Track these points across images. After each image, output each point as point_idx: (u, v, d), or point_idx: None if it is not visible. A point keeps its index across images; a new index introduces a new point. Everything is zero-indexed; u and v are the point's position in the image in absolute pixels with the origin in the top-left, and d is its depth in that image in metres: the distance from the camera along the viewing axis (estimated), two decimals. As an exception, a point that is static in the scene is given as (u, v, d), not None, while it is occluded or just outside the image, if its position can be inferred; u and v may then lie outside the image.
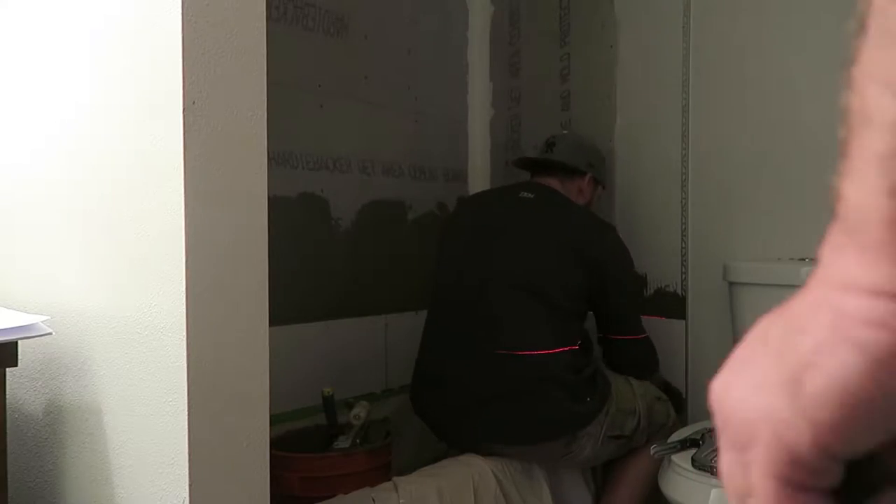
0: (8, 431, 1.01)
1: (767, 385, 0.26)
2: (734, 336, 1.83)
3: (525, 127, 2.44)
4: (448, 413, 1.69)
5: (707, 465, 1.37)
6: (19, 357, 1.00)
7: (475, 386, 1.62)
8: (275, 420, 1.78)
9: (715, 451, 1.43)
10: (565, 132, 2.20)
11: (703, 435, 1.53)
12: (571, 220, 1.75)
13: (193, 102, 0.90)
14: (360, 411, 1.79)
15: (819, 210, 1.94)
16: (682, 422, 2.13)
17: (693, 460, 1.41)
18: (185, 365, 0.91)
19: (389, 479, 1.52)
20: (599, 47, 2.24)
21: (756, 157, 1.98)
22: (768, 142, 1.95)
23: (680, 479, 1.44)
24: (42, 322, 0.99)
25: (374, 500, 1.39)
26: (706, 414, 2.06)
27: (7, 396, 1.00)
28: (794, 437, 0.24)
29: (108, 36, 1.01)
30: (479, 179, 2.50)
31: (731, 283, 1.83)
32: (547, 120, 2.34)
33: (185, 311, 0.90)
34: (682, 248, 2.08)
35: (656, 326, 2.10)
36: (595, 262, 1.69)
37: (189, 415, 0.91)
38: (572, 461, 1.69)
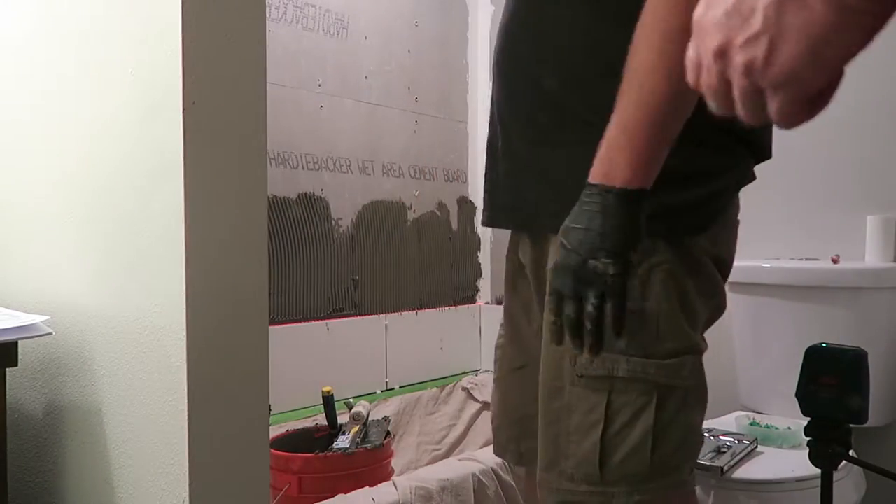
0: (8, 431, 1.01)
1: None
2: (734, 335, 1.83)
3: (525, 127, 2.43)
4: None
5: (707, 466, 1.37)
6: (19, 357, 1.00)
7: None
8: (275, 420, 1.79)
9: (715, 451, 1.43)
10: None
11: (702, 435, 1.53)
12: None
13: (193, 102, 0.90)
14: (360, 411, 1.79)
15: (819, 210, 1.95)
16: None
17: (693, 460, 1.40)
18: (185, 365, 0.91)
19: (389, 479, 1.52)
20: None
21: (756, 157, 1.98)
22: (768, 142, 1.95)
23: (680, 479, 1.44)
24: (42, 322, 0.99)
25: (374, 500, 1.39)
26: (705, 414, 2.07)
27: (7, 396, 1.00)
28: None
29: (108, 36, 1.01)
30: (479, 179, 2.50)
31: (731, 283, 1.83)
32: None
33: (184, 311, 0.90)
34: (682, 248, 2.07)
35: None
36: None
37: (189, 415, 0.91)
38: None
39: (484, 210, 1.10)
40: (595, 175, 0.79)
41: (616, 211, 0.78)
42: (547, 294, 0.81)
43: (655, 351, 0.89)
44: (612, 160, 0.78)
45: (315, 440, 1.76)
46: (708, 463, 1.37)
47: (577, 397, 0.92)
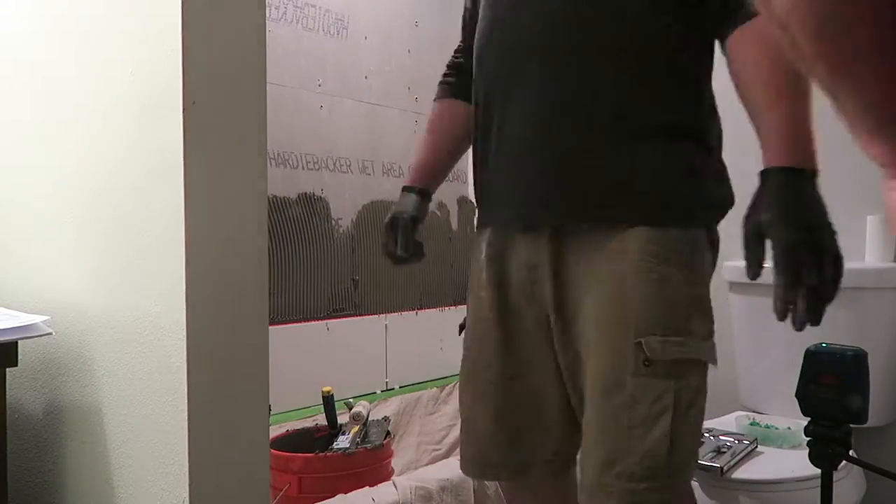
0: (8, 431, 1.01)
1: None
2: (734, 335, 1.83)
3: (525, 127, 2.43)
4: None
5: (707, 466, 1.37)
6: (19, 357, 1.00)
7: None
8: (275, 420, 1.79)
9: (715, 451, 1.43)
10: None
11: (702, 434, 1.53)
12: None
13: (193, 102, 0.90)
14: (360, 411, 1.79)
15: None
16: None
17: (693, 460, 1.40)
18: (185, 365, 0.91)
19: (389, 479, 1.52)
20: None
21: (756, 157, 1.97)
22: (768, 142, 1.95)
23: (680, 479, 1.44)
24: (42, 322, 0.99)
25: (374, 500, 1.39)
26: (705, 413, 2.06)
27: (7, 396, 1.00)
28: None
29: (108, 36, 1.01)
30: (479, 179, 2.49)
31: (731, 283, 1.83)
32: (547, 120, 2.34)
33: (184, 311, 0.90)
34: (682, 248, 2.07)
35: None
36: None
37: (189, 415, 0.91)
38: None
39: (501, 210, 1.12)
40: (796, 161, 0.91)
41: (817, 191, 0.92)
42: (780, 276, 0.87)
43: (708, 332, 0.96)
44: (806, 150, 0.92)
45: (315, 440, 1.76)
46: (708, 463, 1.37)
47: (642, 387, 0.90)
